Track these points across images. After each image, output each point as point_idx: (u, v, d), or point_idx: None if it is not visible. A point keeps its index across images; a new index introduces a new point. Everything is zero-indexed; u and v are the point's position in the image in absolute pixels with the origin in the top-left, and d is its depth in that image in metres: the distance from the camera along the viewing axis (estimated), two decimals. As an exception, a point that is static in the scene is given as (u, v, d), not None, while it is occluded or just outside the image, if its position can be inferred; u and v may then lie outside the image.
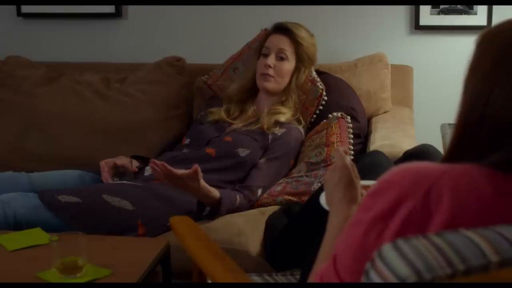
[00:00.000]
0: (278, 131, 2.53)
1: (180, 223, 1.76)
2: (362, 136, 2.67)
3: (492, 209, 0.99)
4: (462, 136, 1.07)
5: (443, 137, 2.63)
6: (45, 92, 2.94)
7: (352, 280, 1.02)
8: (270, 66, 2.57)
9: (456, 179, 0.99)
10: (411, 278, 0.88)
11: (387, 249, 0.92)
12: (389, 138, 2.47)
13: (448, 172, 1.00)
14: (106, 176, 2.40)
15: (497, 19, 1.11)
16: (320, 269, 1.12)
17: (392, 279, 0.89)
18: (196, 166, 2.10)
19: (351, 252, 1.03)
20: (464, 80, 1.08)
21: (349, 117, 2.57)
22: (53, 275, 1.68)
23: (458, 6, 2.95)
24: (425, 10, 2.98)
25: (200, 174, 2.11)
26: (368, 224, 1.01)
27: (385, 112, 2.85)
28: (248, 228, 2.14)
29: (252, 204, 2.35)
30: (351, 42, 3.06)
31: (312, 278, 1.16)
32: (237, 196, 2.30)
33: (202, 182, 2.13)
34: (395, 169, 1.04)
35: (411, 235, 0.95)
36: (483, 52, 1.07)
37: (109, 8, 3.19)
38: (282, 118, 2.56)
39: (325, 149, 2.44)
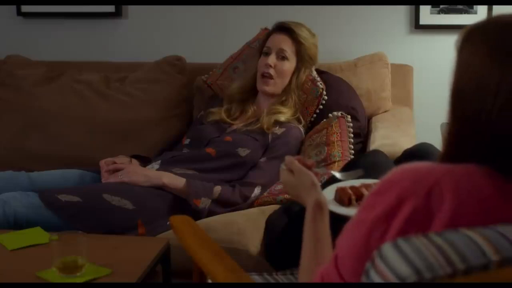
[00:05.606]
0: (278, 130, 2.53)
1: (180, 222, 1.75)
2: (362, 135, 2.67)
3: (493, 210, 0.99)
4: (461, 141, 1.07)
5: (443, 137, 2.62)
6: (45, 91, 2.94)
7: (356, 281, 1.02)
8: (270, 66, 2.57)
9: (458, 180, 1.00)
10: (411, 277, 0.88)
11: (387, 248, 0.92)
12: (389, 137, 2.47)
13: (450, 173, 1.00)
14: (106, 176, 2.39)
15: (497, 18, 1.11)
16: (321, 269, 1.12)
17: (392, 278, 0.89)
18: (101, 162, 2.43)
19: (355, 252, 1.03)
20: (455, 89, 1.08)
21: (349, 117, 2.56)
22: (53, 274, 1.68)
23: (458, 5, 2.95)
24: (425, 9, 2.98)
25: (125, 160, 2.45)
26: (371, 223, 1.02)
27: (385, 112, 2.85)
28: (248, 227, 2.13)
29: (247, 200, 2.35)
30: (351, 41, 3.06)
31: (311, 279, 1.16)
32: (219, 188, 2.30)
33: (138, 168, 2.41)
34: (396, 169, 1.04)
35: (413, 234, 0.95)
36: (470, 55, 1.07)
37: (109, 8, 3.19)
38: (282, 118, 2.55)
39: (326, 148, 2.44)
